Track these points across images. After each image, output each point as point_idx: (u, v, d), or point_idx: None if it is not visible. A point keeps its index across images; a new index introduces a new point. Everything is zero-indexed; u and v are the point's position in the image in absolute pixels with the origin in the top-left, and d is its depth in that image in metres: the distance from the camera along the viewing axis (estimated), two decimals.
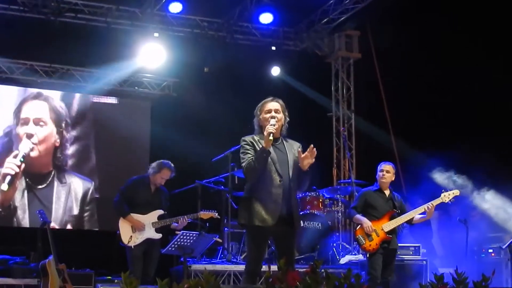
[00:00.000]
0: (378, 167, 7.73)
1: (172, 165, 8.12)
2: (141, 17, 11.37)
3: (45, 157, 11.24)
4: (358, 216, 7.60)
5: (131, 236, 7.90)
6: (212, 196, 9.98)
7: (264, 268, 5.58)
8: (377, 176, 7.72)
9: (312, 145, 5.47)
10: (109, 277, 8.86)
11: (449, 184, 8.73)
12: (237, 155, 6.30)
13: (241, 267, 8.78)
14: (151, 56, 11.26)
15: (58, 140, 11.34)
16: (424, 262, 8.59)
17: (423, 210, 7.49)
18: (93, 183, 11.47)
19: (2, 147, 11.02)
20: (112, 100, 11.81)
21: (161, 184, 8.18)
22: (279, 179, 5.54)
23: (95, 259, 9.50)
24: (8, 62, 11.24)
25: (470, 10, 10.06)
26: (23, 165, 10.84)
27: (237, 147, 7.81)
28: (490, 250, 9.34)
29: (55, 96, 11.52)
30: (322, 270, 3.55)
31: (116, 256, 8.80)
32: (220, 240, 9.28)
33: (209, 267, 8.81)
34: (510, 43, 9.93)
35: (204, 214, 8.36)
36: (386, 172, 7.67)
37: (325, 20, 12.05)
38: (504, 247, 8.82)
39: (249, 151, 5.59)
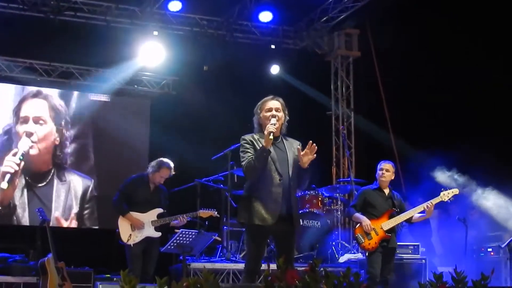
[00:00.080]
0: (378, 166, 7.72)
1: (172, 164, 8.12)
2: (140, 15, 11.37)
3: (45, 156, 11.24)
4: (357, 214, 7.60)
5: (130, 235, 7.90)
6: (211, 194, 9.98)
7: (263, 266, 5.58)
8: (376, 175, 7.72)
9: (311, 141, 5.46)
10: (108, 275, 8.85)
11: (451, 183, 8.73)
12: (236, 154, 6.31)
13: (240, 266, 8.79)
14: (151, 54, 11.26)
15: (58, 139, 11.33)
16: (423, 261, 8.59)
17: (422, 209, 7.50)
18: (92, 181, 11.47)
19: (2, 145, 11.02)
20: (112, 98, 11.79)
21: (160, 183, 8.18)
22: (279, 178, 5.53)
23: (94, 257, 9.50)
24: (7, 60, 11.24)
25: (470, 10, 10.06)
26: (22, 163, 10.85)
27: (236, 145, 7.82)
28: (489, 249, 9.35)
29: (54, 94, 11.51)
30: (321, 269, 3.55)
31: (115, 254, 8.79)
32: (219, 239, 9.29)
33: (208, 265, 8.81)
34: (510, 43, 9.93)
35: (204, 213, 8.36)
36: (386, 171, 7.67)
37: (325, 18, 12.05)
38: (503, 246, 8.83)
39: (249, 150, 5.58)
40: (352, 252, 9.78)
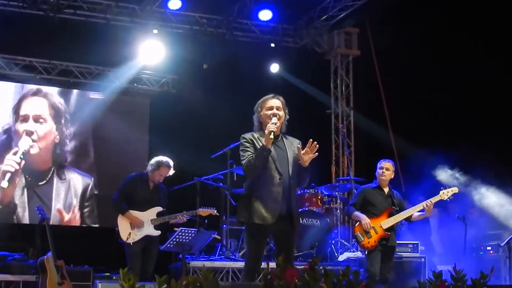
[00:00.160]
0: (378, 165, 7.72)
1: (171, 162, 8.12)
2: (140, 13, 11.36)
3: (45, 154, 11.22)
4: (357, 213, 7.61)
5: (129, 233, 7.91)
6: (210, 193, 9.97)
7: (263, 265, 5.57)
8: (376, 174, 7.72)
9: (311, 140, 5.46)
10: (108, 274, 8.85)
11: (452, 182, 8.74)
12: (236, 152, 6.30)
13: (240, 264, 8.80)
14: (150, 52, 11.25)
15: (58, 137, 11.32)
16: (423, 259, 8.60)
17: (421, 208, 7.49)
18: (92, 179, 11.46)
19: (1, 144, 11.00)
20: (111, 96, 11.77)
21: (160, 181, 8.18)
22: (278, 177, 5.52)
23: (94, 255, 9.50)
24: (6, 58, 11.23)
25: (470, 10, 10.06)
26: (23, 162, 10.85)
27: (236, 144, 7.83)
28: (489, 248, 9.35)
29: (54, 92, 11.50)
30: (321, 267, 3.55)
31: (114, 252, 8.79)
32: (218, 237, 9.28)
33: (208, 264, 8.82)
34: (510, 43, 9.93)
35: (203, 211, 8.37)
36: (386, 169, 7.67)
37: (324, 17, 12.06)
38: (502, 244, 8.83)
39: (249, 149, 5.57)
40: (352, 250, 9.79)
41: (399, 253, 8.39)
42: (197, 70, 11.74)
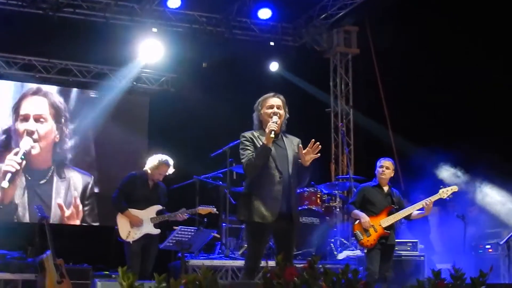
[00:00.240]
0: (378, 163, 7.72)
1: (171, 161, 8.11)
2: (139, 12, 11.36)
3: (45, 153, 11.22)
4: (356, 211, 7.61)
5: (129, 231, 7.90)
6: (210, 191, 9.97)
7: (263, 264, 5.57)
8: (376, 172, 7.72)
9: (313, 140, 5.45)
10: (107, 272, 8.84)
11: (453, 180, 8.75)
12: (235, 151, 6.30)
13: (239, 263, 8.80)
14: (150, 51, 11.24)
15: (58, 136, 11.32)
16: (422, 257, 8.60)
17: (421, 206, 7.49)
18: (92, 177, 11.46)
19: (1, 143, 10.99)
20: (110, 95, 11.76)
21: (159, 180, 8.17)
22: (278, 176, 5.52)
23: (93, 254, 9.49)
24: (5, 57, 11.22)
25: (470, 10, 10.06)
26: (23, 163, 10.84)
27: (235, 142, 7.83)
28: (488, 246, 9.37)
29: (54, 91, 11.50)
30: (320, 266, 3.55)
31: (114, 251, 8.79)
32: (218, 236, 9.28)
33: (207, 262, 8.82)
34: (510, 43, 9.93)
35: (203, 209, 8.35)
36: (386, 168, 7.66)
37: (324, 15, 12.06)
38: (501, 243, 8.84)
39: (248, 147, 5.56)
40: (351, 249, 9.78)
41: (399, 252, 8.39)
42: (196, 69, 11.74)
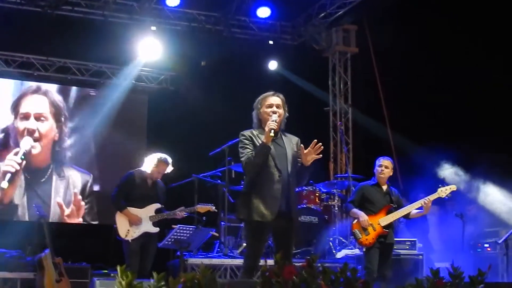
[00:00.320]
0: (377, 162, 7.72)
1: (169, 159, 8.11)
2: (138, 10, 11.35)
3: (45, 152, 11.20)
4: (355, 210, 7.61)
5: (128, 230, 7.90)
6: (208, 190, 9.97)
7: (262, 262, 5.57)
8: (374, 171, 7.72)
9: (316, 140, 5.45)
10: (106, 271, 8.84)
11: (453, 179, 8.75)
12: (234, 149, 6.30)
13: (238, 261, 8.79)
14: (149, 49, 11.24)
15: (57, 135, 11.31)
16: (421, 256, 8.61)
17: (419, 205, 7.49)
18: (91, 175, 11.45)
19: (1, 141, 10.97)
20: (109, 93, 11.75)
21: (158, 178, 8.17)
22: (278, 175, 5.52)
23: (92, 253, 9.48)
24: (4, 55, 11.21)
25: (470, 10, 10.06)
26: (23, 163, 10.82)
27: (234, 141, 7.82)
28: (486, 245, 9.38)
29: (53, 89, 11.48)
30: (319, 264, 3.55)
31: (113, 249, 8.79)
32: (216, 234, 9.28)
33: (206, 261, 8.82)
34: (510, 43, 9.93)
35: (201, 208, 8.36)
36: (385, 167, 7.66)
37: (323, 14, 12.05)
38: (500, 241, 8.84)
39: (248, 146, 5.56)
40: (350, 247, 9.78)
41: (397, 250, 8.39)
42: (195, 67, 11.74)
